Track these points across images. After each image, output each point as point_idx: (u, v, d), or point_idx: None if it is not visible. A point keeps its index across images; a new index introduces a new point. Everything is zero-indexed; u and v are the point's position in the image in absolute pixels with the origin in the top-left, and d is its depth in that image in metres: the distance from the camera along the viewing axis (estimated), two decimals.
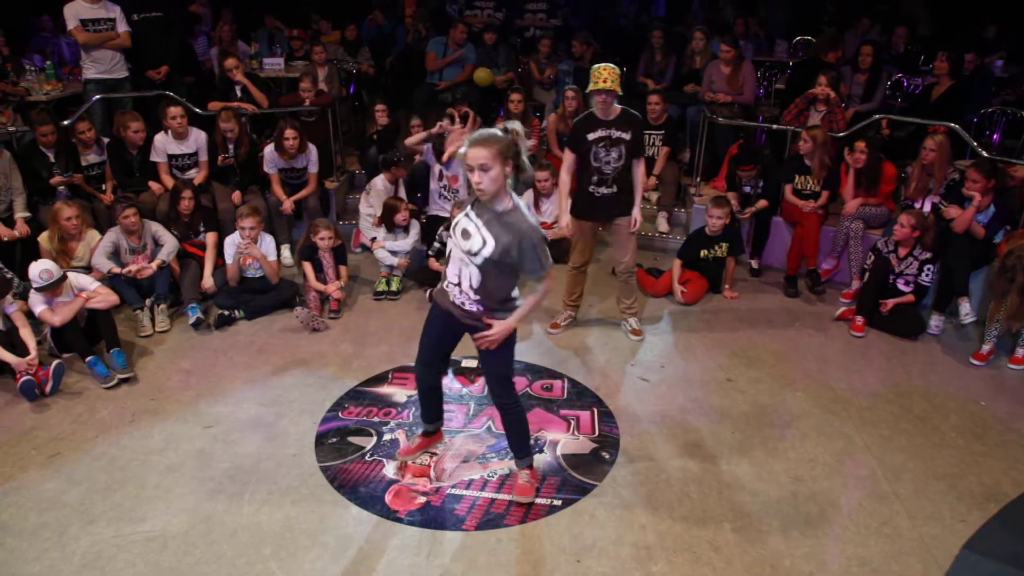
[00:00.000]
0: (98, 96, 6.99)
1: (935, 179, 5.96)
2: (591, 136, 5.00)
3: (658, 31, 8.36)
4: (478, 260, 3.30)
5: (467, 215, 3.34)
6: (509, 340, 3.52)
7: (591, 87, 4.87)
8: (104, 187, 6.45)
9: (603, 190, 5.10)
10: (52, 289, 4.86)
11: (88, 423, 4.42)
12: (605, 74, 4.82)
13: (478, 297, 3.41)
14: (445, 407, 4.52)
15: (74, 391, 4.75)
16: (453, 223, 3.40)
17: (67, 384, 4.79)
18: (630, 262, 5.35)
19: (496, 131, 3.20)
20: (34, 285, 4.83)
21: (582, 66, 8.62)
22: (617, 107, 4.99)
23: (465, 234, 3.32)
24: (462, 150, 3.20)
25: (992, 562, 3.51)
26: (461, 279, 3.41)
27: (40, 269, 4.83)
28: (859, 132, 6.76)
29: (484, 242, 3.26)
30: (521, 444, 3.82)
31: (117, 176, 6.49)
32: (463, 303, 3.45)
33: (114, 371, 4.84)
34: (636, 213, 5.19)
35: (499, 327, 3.40)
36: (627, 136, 4.98)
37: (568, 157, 5.13)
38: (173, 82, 7.56)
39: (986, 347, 5.25)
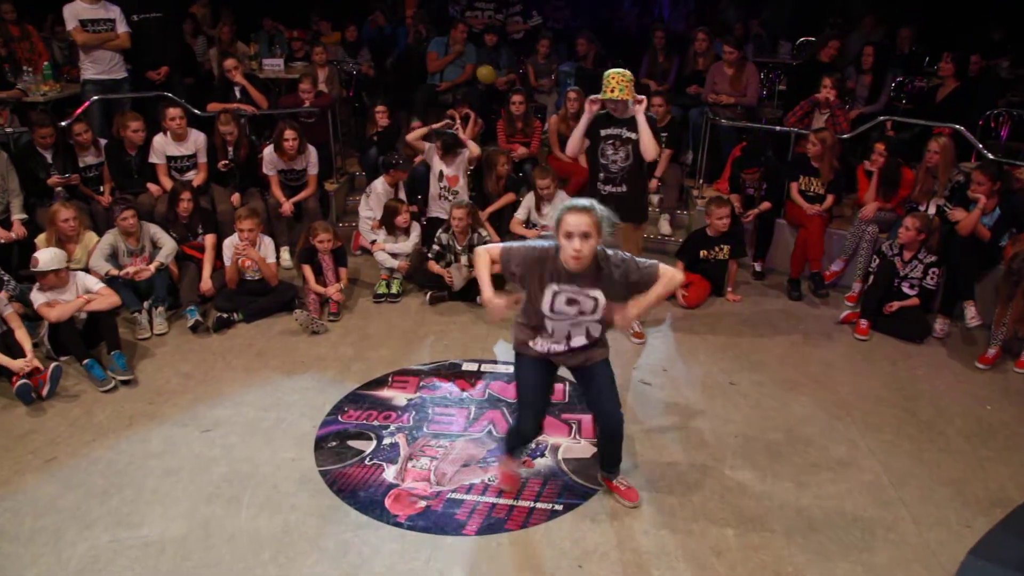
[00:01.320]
0: (96, 97, 6.99)
1: (939, 181, 5.96)
2: (603, 132, 5.03)
3: (660, 32, 8.36)
4: (596, 315, 3.35)
5: (556, 290, 3.28)
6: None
7: (601, 96, 4.88)
8: (102, 189, 6.46)
9: (610, 188, 5.10)
10: (43, 276, 4.88)
11: (85, 427, 4.42)
12: (613, 83, 4.81)
13: (593, 336, 3.46)
14: (445, 411, 4.54)
15: (71, 394, 4.74)
16: (547, 302, 3.31)
17: (64, 387, 4.79)
18: None
19: (592, 201, 3.20)
20: (31, 267, 4.92)
21: (584, 67, 8.63)
22: (631, 110, 4.98)
23: (571, 303, 3.30)
24: (554, 215, 3.22)
25: (999, 568, 3.50)
26: (572, 338, 3.43)
27: (38, 256, 4.92)
28: (864, 134, 6.77)
29: (596, 300, 3.29)
30: (619, 456, 3.81)
31: (115, 178, 6.49)
32: (576, 347, 3.46)
33: (113, 373, 4.84)
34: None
35: (633, 310, 3.37)
36: (636, 137, 4.98)
37: (584, 141, 5.18)
38: (172, 83, 7.56)
39: (992, 351, 5.24)
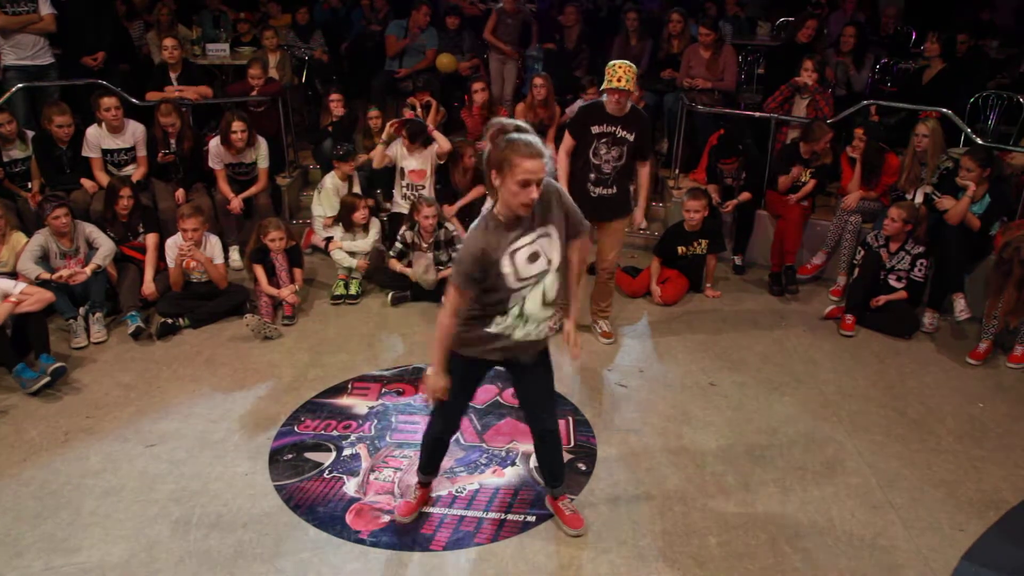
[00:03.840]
0: (20, 85, 6.83)
1: (927, 168, 6.05)
2: (595, 129, 5.02)
3: (632, 13, 8.40)
4: (557, 260, 3.21)
5: (513, 250, 3.10)
6: None
7: (606, 85, 4.88)
8: (30, 185, 6.34)
9: (600, 190, 5.12)
10: None
11: (15, 445, 4.34)
12: (621, 72, 4.83)
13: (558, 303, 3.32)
14: (408, 419, 4.54)
15: None
16: (510, 273, 3.10)
17: None
18: (612, 262, 5.39)
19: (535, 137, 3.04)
20: None
21: (552, 50, 8.65)
22: (627, 105, 5.03)
23: (533, 258, 3.13)
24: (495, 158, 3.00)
25: (993, 573, 3.56)
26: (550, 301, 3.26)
27: None
28: (849, 119, 6.84)
29: (550, 236, 3.17)
30: (563, 468, 3.80)
31: (45, 173, 6.37)
32: (545, 331, 3.35)
33: (44, 364, 4.79)
34: (639, 213, 5.33)
35: (575, 331, 3.52)
36: (631, 137, 5.01)
37: (568, 141, 5.15)
38: (109, 70, 7.44)
39: (983, 345, 5.34)
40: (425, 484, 3.88)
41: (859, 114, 6.87)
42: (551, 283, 3.22)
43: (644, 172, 5.18)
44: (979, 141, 6.04)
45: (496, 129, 3.04)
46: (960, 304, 5.61)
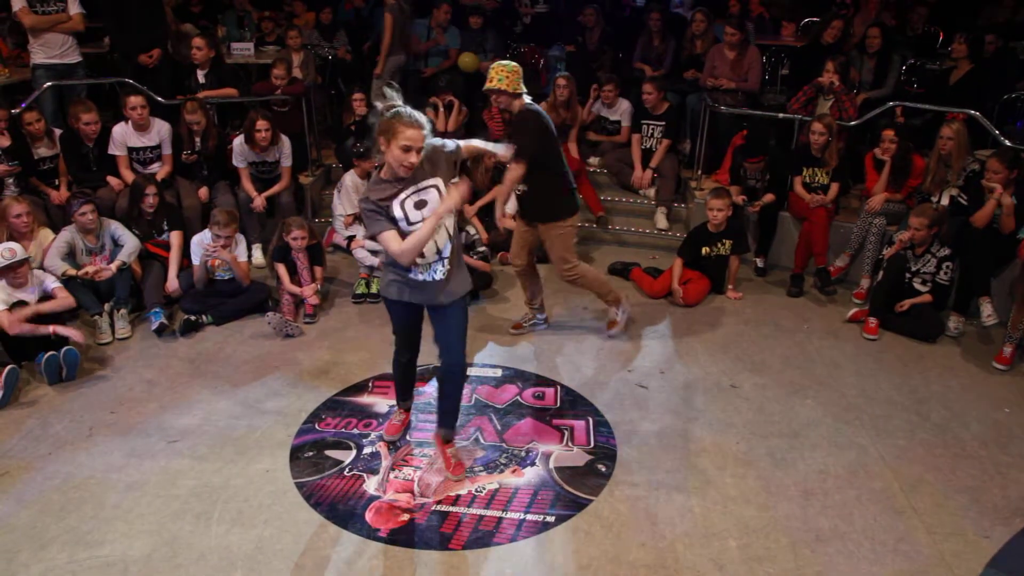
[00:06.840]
0: (48, 84, 6.91)
1: (952, 170, 5.98)
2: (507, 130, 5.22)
3: (656, 13, 8.36)
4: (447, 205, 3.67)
5: (402, 198, 3.60)
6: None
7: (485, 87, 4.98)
8: (57, 182, 6.41)
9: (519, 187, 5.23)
10: (12, 270, 4.88)
11: (40, 438, 4.39)
12: (492, 73, 4.90)
13: (454, 246, 3.82)
14: (429, 417, 4.55)
15: (26, 402, 4.72)
16: (397, 208, 3.59)
17: (17, 394, 4.76)
18: (559, 266, 5.31)
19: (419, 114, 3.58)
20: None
21: (573, 52, 8.64)
22: (520, 102, 4.97)
23: (420, 205, 3.62)
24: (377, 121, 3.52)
25: None
26: (442, 250, 3.75)
27: (2, 248, 4.89)
28: (873, 121, 6.79)
29: (436, 187, 3.65)
30: (458, 411, 4.20)
31: (72, 171, 6.44)
32: (448, 269, 3.79)
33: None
34: (498, 208, 5.51)
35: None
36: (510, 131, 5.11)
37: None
38: (160, 67, 7.49)
39: (1008, 349, 5.26)
40: (407, 410, 4.48)
41: (884, 116, 6.81)
42: (440, 233, 3.70)
43: (510, 173, 5.06)
44: (1007, 143, 5.96)
45: (386, 105, 3.56)
46: (987, 309, 5.53)
